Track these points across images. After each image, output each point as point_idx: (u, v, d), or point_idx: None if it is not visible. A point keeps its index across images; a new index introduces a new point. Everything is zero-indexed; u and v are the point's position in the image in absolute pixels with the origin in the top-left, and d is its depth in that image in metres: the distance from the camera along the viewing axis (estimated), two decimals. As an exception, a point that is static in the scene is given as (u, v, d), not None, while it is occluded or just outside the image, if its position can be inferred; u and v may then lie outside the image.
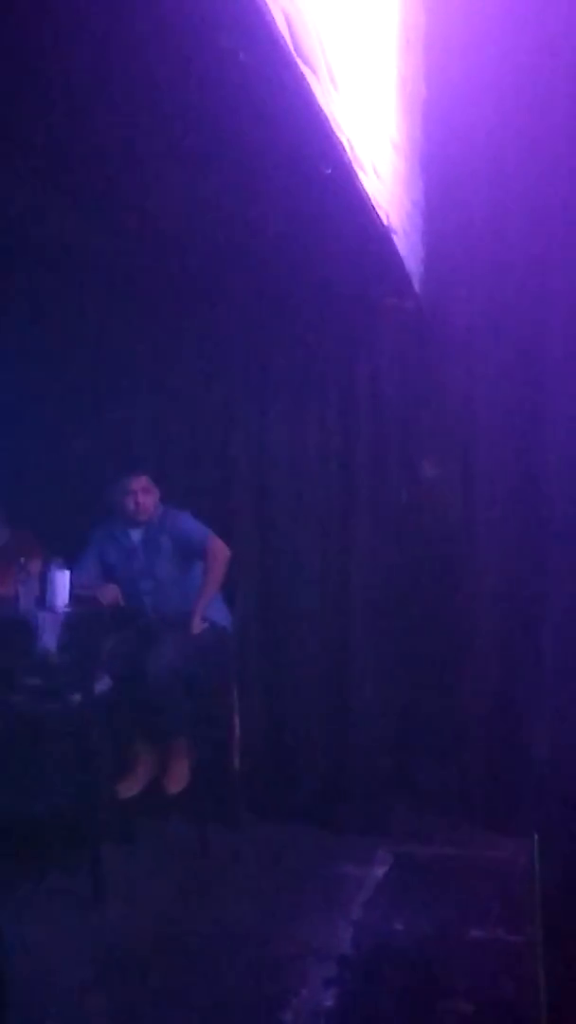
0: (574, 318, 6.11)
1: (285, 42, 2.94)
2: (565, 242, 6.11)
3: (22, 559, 5.72)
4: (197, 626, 5.86)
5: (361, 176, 4.14)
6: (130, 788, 5.76)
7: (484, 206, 6.22)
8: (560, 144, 6.11)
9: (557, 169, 6.12)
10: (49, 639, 5.33)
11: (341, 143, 3.75)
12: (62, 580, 5.53)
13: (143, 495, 6.08)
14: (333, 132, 3.61)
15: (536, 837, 5.69)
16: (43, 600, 5.52)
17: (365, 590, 6.35)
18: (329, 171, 3.86)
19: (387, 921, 4.97)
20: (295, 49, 3.05)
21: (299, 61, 3.11)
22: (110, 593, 6.00)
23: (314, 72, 3.28)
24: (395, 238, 5.09)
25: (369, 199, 4.36)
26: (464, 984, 4.40)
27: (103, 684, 5.48)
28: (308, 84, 3.22)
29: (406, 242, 5.54)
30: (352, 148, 3.92)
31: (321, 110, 3.40)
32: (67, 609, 5.49)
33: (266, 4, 2.72)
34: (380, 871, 5.53)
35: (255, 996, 4.29)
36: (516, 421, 6.21)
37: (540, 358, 6.16)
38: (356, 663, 6.36)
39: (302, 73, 3.15)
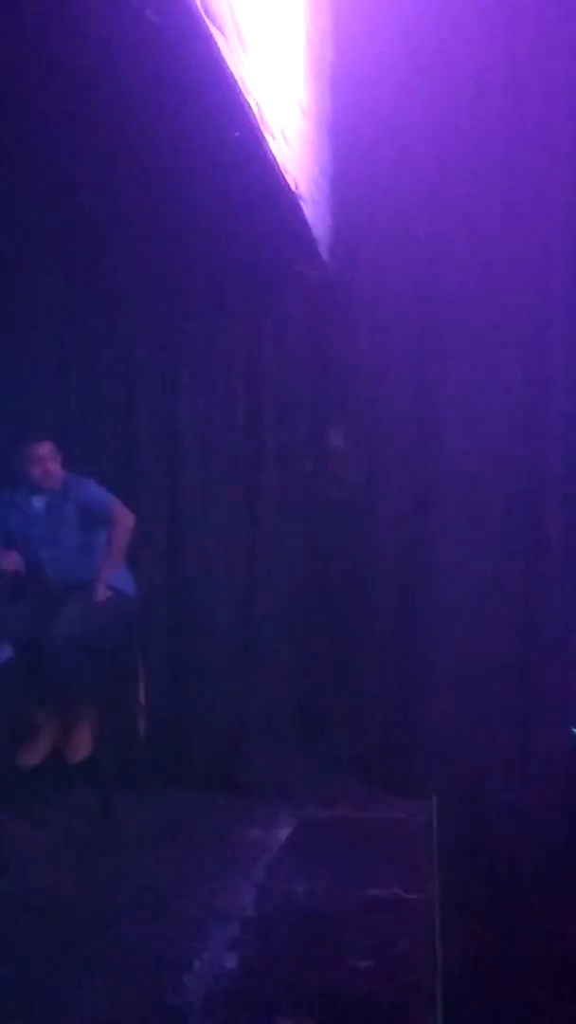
0: (479, 287, 6.20)
1: (194, 1, 2.90)
2: (470, 211, 6.18)
3: None
4: (101, 593, 5.81)
5: (269, 141, 4.11)
6: (32, 757, 5.71)
7: (391, 174, 6.25)
8: (466, 111, 6.16)
9: (463, 137, 6.18)
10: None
11: (250, 106, 3.72)
12: (-38, 547, 5.42)
13: (50, 462, 5.99)
14: (241, 94, 3.58)
15: (434, 798, 5.83)
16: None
17: (270, 559, 6.38)
18: (237, 135, 3.83)
19: (289, 882, 5.04)
20: (204, 9, 3.01)
21: (208, 21, 3.07)
22: (11, 560, 5.91)
23: (222, 33, 3.24)
24: (303, 204, 5.09)
25: (277, 164, 4.34)
26: (363, 942, 4.50)
27: (4, 653, 5.40)
28: (217, 45, 3.19)
29: (314, 209, 5.53)
30: (261, 112, 3.89)
31: (230, 72, 3.37)
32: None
33: (174, -39, 2.67)
34: (283, 833, 5.60)
35: (157, 959, 4.32)
36: (421, 390, 6.29)
37: (445, 326, 6.24)
38: (260, 631, 6.40)
39: (211, 33, 3.11)
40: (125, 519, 5.97)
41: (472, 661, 6.25)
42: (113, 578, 5.93)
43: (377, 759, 6.29)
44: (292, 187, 4.72)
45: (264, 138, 4.00)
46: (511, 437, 6.23)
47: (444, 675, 6.25)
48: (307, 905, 4.84)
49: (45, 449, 5.98)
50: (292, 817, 5.80)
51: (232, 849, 5.40)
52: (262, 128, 3.93)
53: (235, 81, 3.46)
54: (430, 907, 4.78)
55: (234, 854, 5.34)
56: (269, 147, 4.12)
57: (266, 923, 4.67)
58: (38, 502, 6.03)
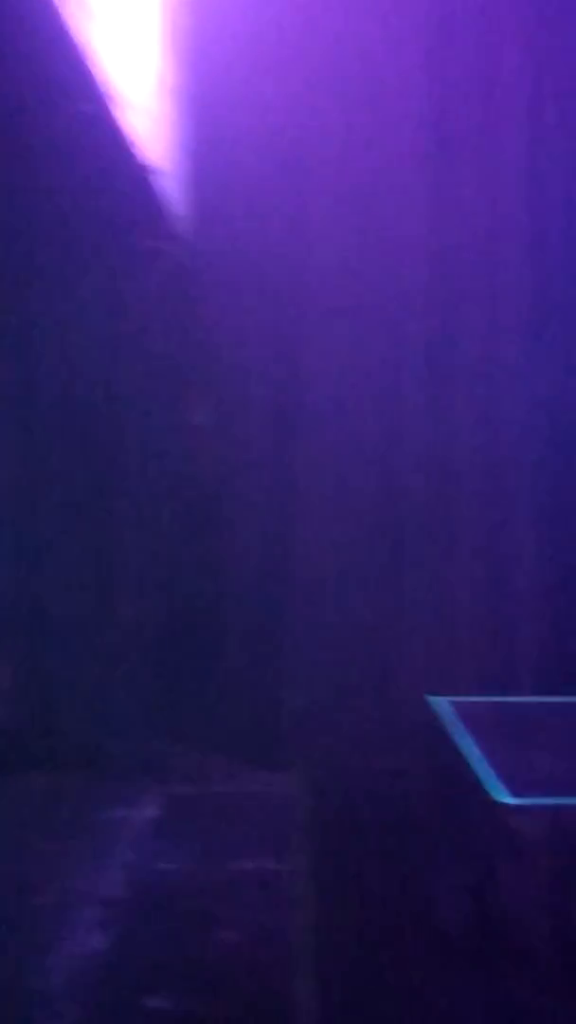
0: (341, 265, 6.26)
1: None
2: (333, 187, 6.22)
3: None
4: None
5: (121, 114, 4.04)
6: None
7: (254, 149, 6.23)
8: (327, 87, 6.19)
9: (325, 112, 6.21)
10: None
11: (101, 77, 3.64)
12: None
13: None
14: (91, 66, 3.50)
15: (298, 770, 5.92)
16: None
17: (130, 537, 6.33)
18: (89, 107, 3.75)
19: (155, 860, 5.04)
20: (50, -22, 2.92)
21: (54, -9, 2.98)
22: None
23: (70, 2, 3.16)
24: (159, 180, 5.02)
25: (129, 138, 4.26)
26: (229, 915, 4.54)
27: None
28: (64, 15, 3.10)
29: (172, 184, 5.47)
30: (113, 84, 3.82)
31: (78, 43, 3.29)
32: None
33: None
34: (148, 812, 5.60)
35: (20, 943, 4.27)
36: (284, 367, 6.32)
37: (307, 305, 6.27)
38: (124, 608, 6.35)
39: (57, 4, 3.03)
40: None
41: (332, 635, 6.34)
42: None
43: (241, 734, 6.33)
44: (146, 162, 4.65)
45: (115, 111, 3.92)
46: (374, 414, 6.33)
47: (305, 649, 6.34)
48: (173, 882, 4.85)
49: None
50: (157, 795, 5.79)
51: (96, 830, 5.37)
52: (113, 101, 3.86)
53: (85, 51, 3.38)
54: (295, 878, 4.86)
55: (99, 835, 5.31)
56: (121, 121, 4.04)
57: (132, 903, 4.67)
58: None
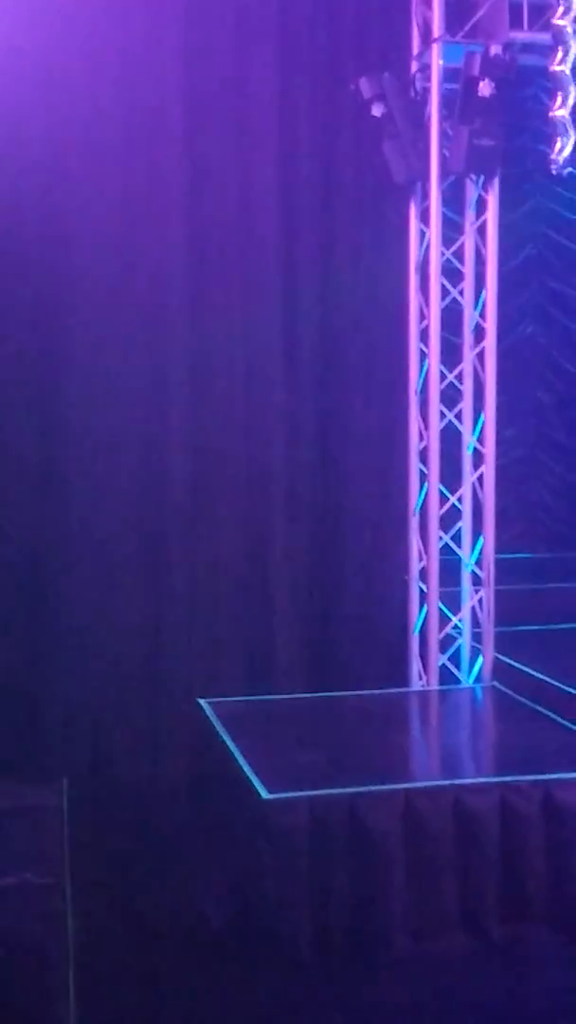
0: (97, 269, 6.26)
1: None
2: (90, 185, 6.22)
3: None
4: None
5: None
6: None
7: (9, 146, 6.14)
8: (84, 85, 6.18)
9: (81, 111, 6.19)
10: None
11: None
12: None
13: None
14: None
15: (64, 781, 5.84)
16: None
17: None
18: None
19: None
20: None
21: None
22: None
23: None
24: None
25: None
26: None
27: None
28: None
29: None
30: None
31: None
32: None
33: None
34: None
35: None
36: (42, 363, 6.29)
37: (66, 306, 6.27)
38: None
39: None
40: None
41: (97, 643, 6.32)
42: None
43: (3, 746, 6.19)
44: None
45: None
46: (135, 418, 6.38)
47: (70, 658, 6.28)
48: None
49: None
50: None
51: None
52: None
53: None
54: (60, 891, 4.79)
55: None
56: None
57: None
58: None
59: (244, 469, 6.63)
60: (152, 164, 6.38)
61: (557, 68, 5.64)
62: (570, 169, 5.64)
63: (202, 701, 5.94)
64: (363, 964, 4.54)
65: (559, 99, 5.63)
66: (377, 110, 6.13)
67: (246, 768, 4.97)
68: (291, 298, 6.65)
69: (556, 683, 6.01)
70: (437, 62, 6.14)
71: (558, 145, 5.60)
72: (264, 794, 4.70)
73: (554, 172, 5.72)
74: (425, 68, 6.27)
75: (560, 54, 5.60)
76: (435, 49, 6.13)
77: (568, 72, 5.54)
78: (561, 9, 5.51)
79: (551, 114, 5.61)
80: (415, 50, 6.38)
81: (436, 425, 6.35)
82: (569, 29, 5.54)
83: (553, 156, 5.65)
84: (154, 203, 6.40)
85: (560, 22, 5.61)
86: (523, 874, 4.73)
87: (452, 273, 6.45)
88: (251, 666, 6.56)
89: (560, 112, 5.56)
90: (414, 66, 6.37)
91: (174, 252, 6.44)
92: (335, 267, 6.72)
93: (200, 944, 4.80)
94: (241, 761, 5.06)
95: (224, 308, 6.54)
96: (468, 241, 6.43)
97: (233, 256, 6.52)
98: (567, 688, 5.89)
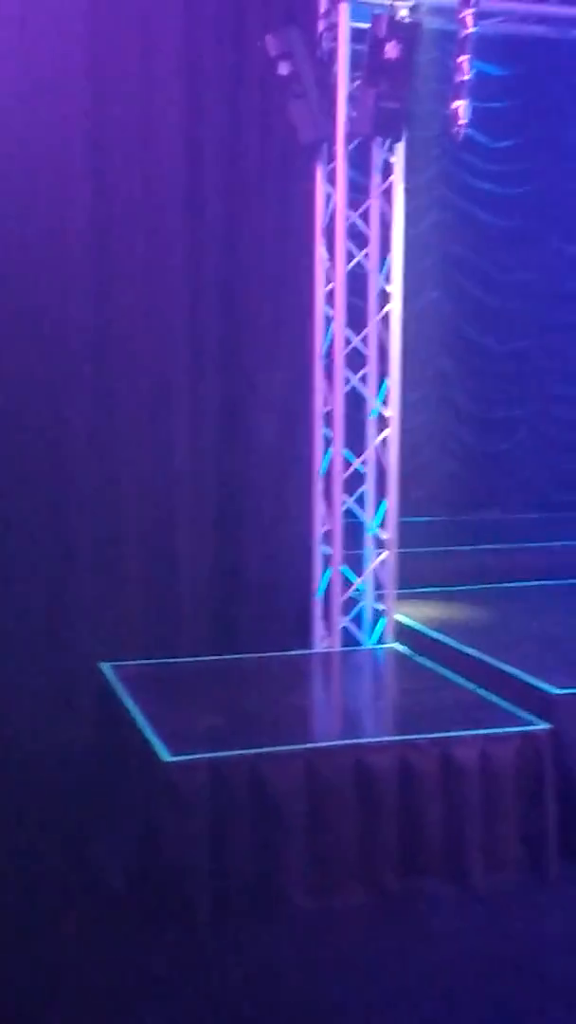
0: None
1: None
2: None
3: None
4: None
5: None
6: None
7: None
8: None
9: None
10: None
11: None
12: None
13: None
14: None
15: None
16: None
17: None
18: None
19: None
20: None
21: None
22: None
23: None
24: None
25: None
26: None
27: None
28: None
29: None
30: None
31: None
32: None
33: None
34: None
35: None
36: None
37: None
38: None
39: None
40: None
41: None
42: None
43: None
44: None
45: None
46: (40, 394, 6.29)
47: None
48: None
49: None
50: None
51: None
52: None
53: None
54: None
55: None
56: None
57: None
58: None
59: (148, 433, 6.56)
60: (55, 121, 6.21)
61: (463, 31, 5.68)
62: (469, 131, 5.66)
63: (104, 665, 5.90)
64: (262, 922, 4.59)
65: (464, 63, 5.66)
66: (284, 68, 6.05)
67: (147, 731, 4.95)
68: (196, 261, 6.55)
69: (454, 644, 6.13)
70: (345, 22, 6.09)
71: (461, 110, 5.63)
72: (165, 756, 4.69)
73: (457, 137, 5.76)
74: (332, 27, 6.21)
75: (466, 17, 5.64)
76: (342, 9, 6.08)
77: (472, 34, 5.57)
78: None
79: (455, 78, 5.64)
80: (322, 8, 6.31)
81: (341, 389, 6.37)
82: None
83: (456, 121, 5.69)
84: (56, 161, 6.25)
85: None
86: (420, 829, 4.84)
87: (358, 236, 6.44)
88: (156, 631, 6.52)
89: (463, 77, 5.59)
90: (321, 25, 6.30)
91: (78, 212, 6.30)
92: (241, 229, 6.64)
93: (99, 905, 4.79)
94: (143, 724, 5.04)
95: (128, 272, 6.43)
96: (374, 204, 6.42)
97: (136, 217, 6.40)
98: (465, 649, 6.01)
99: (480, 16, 5.93)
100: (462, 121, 5.60)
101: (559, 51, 7.91)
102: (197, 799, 4.63)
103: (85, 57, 6.22)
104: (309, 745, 4.89)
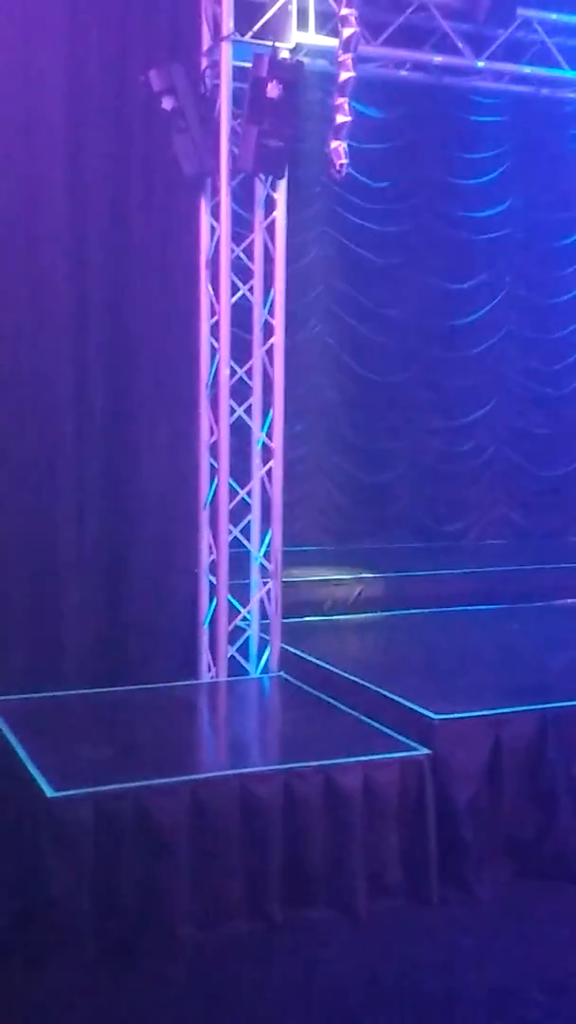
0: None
1: None
2: None
3: None
4: None
5: None
6: None
7: None
8: None
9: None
10: None
11: None
12: None
13: None
14: None
15: None
16: None
17: None
18: None
19: None
20: None
21: None
22: None
23: None
24: None
25: None
26: None
27: None
28: None
29: None
30: None
31: None
32: None
33: None
34: None
35: None
36: None
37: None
38: None
39: None
40: None
41: None
42: None
43: None
44: None
45: None
46: None
47: None
48: None
49: None
50: None
51: None
52: None
53: None
54: None
55: None
56: None
57: None
58: None
59: (32, 463, 6.49)
60: None
61: (341, 75, 5.84)
62: (348, 171, 5.80)
63: (-15, 697, 5.78)
64: (149, 956, 4.55)
65: (343, 105, 5.82)
66: (167, 103, 6.10)
67: (31, 767, 4.88)
68: (79, 292, 6.52)
69: (338, 671, 6.21)
70: (226, 60, 6.19)
71: (340, 150, 5.78)
72: (49, 792, 4.63)
73: (338, 176, 5.90)
74: (215, 65, 6.30)
75: (346, 61, 5.80)
76: (224, 47, 6.17)
77: (351, 78, 5.74)
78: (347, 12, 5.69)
79: (334, 120, 5.79)
80: (204, 46, 6.40)
81: (226, 420, 6.42)
82: (351, 35, 5.73)
83: (336, 161, 5.83)
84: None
85: (347, 30, 5.81)
86: (304, 857, 4.87)
87: (243, 270, 6.52)
88: (39, 663, 6.42)
89: (342, 118, 5.75)
90: (204, 62, 6.39)
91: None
92: (127, 261, 6.64)
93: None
94: (26, 760, 4.97)
95: (8, 301, 6.37)
96: (257, 239, 6.51)
97: (19, 252, 6.36)
98: (348, 676, 6.10)
99: (359, 60, 6.12)
100: (342, 161, 5.74)
101: (435, 96, 8.21)
102: (81, 834, 4.57)
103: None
104: (193, 776, 4.89)
